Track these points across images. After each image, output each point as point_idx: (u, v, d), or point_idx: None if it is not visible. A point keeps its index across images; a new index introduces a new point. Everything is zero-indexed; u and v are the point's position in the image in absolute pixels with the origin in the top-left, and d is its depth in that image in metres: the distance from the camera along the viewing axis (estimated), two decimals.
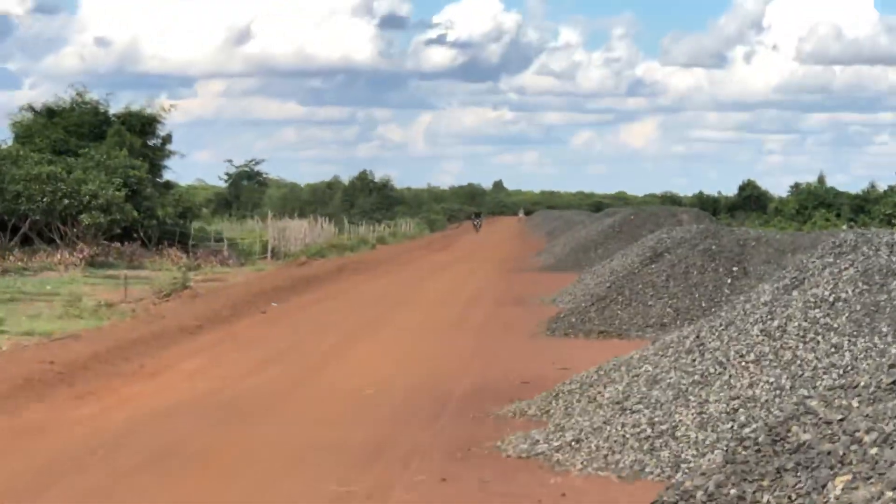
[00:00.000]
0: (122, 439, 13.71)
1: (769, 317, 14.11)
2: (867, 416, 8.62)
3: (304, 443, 13.63)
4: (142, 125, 56.25)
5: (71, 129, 53.84)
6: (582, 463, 12.47)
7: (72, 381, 17.61)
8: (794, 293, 14.49)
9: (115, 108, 56.62)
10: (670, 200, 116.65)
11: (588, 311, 26.03)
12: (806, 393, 12.05)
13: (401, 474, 12.15)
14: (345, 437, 13.95)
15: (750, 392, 12.91)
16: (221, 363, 20.11)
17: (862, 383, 9.10)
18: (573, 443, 12.96)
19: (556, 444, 13.05)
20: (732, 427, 12.40)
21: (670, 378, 13.71)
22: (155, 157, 56.07)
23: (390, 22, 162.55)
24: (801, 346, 13.41)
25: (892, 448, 8.15)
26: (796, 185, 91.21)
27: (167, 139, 58.09)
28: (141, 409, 15.72)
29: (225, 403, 16.11)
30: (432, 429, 14.52)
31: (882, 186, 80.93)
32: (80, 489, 11.47)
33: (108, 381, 17.93)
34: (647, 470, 12.10)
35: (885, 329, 13.28)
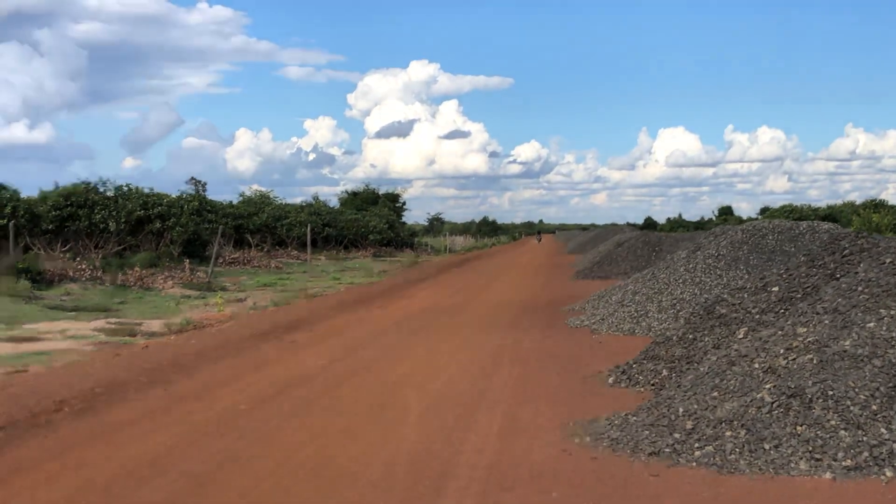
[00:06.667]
0: (398, 323, 13.34)
1: (688, 263, 13.26)
2: (752, 301, 7.86)
3: (480, 323, 13.11)
4: (393, 198, 56.33)
5: (363, 199, 54.10)
6: (605, 329, 11.79)
7: (369, 301, 17.32)
8: (698, 252, 13.62)
9: (382, 191, 56.88)
10: (615, 225, 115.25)
11: (592, 268, 25.01)
12: (709, 296, 11.24)
13: (526, 334, 11.58)
14: (497, 320, 13.41)
15: (681, 296, 12.10)
16: (435, 293, 19.61)
17: (747, 287, 8.32)
18: (600, 320, 12.30)
19: (592, 321, 12.39)
20: (674, 313, 11.61)
21: (642, 292, 12.95)
22: (398, 211, 56.00)
23: (493, 154, 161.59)
24: (703, 275, 12.56)
25: (766, 315, 7.40)
26: (668, 219, 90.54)
27: (403, 204, 57.92)
28: (404, 311, 15.33)
29: (441, 309, 15.64)
30: (536, 316, 13.91)
31: (707, 217, 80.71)
32: (386, 343, 11.09)
33: (386, 300, 17.60)
34: (636, 332, 11.39)
35: (742, 267, 12.38)
